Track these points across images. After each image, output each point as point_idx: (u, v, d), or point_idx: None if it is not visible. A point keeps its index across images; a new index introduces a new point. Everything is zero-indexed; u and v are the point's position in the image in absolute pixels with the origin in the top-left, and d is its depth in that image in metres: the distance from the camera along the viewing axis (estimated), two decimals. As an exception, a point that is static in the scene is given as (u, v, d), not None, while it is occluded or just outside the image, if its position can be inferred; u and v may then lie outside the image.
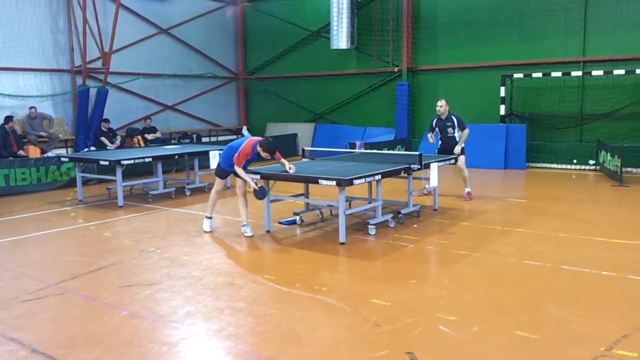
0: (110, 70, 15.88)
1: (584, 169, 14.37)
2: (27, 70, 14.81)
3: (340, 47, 17.41)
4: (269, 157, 7.63)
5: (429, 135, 10.50)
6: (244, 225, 7.91)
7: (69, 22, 15.60)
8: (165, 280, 5.96)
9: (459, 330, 4.52)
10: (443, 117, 10.35)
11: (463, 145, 10.33)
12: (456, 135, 10.29)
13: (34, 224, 8.96)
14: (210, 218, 8.25)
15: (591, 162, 14.32)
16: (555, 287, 5.61)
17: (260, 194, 7.58)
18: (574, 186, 12.07)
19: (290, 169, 7.59)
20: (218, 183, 8.16)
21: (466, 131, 10.27)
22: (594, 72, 13.96)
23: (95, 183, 12.81)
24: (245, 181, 7.71)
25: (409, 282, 5.81)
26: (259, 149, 7.49)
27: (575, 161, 14.62)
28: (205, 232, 8.11)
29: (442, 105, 10.34)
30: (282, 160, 7.77)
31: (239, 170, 7.61)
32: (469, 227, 8.28)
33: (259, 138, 7.76)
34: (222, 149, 8.26)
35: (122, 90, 17.18)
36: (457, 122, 10.31)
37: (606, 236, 7.50)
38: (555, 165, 14.85)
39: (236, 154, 7.57)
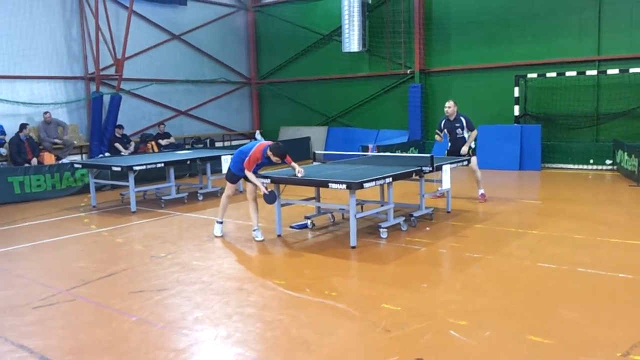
0: (124, 76, 16.01)
1: (601, 169, 14.17)
2: (41, 78, 14.97)
3: (352, 50, 17.38)
4: (280, 161, 7.59)
5: (437, 135, 10.40)
6: (254, 230, 7.89)
7: (82, 30, 15.75)
8: (175, 285, 5.95)
9: (470, 336, 4.44)
10: (452, 118, 10.23)
11: (473, 146, 10.23)
12: (465, 136, 10.16)
13: (47, 230, 9.02)
14: (221, 223, 8.23)
15: (608, 162, 14.11)
16: (570, 291, 5.50)
17: (271, 198, 7.55)
18: (590, 187, 11.89)
19: (299, 172, 7.55)
20: (229, 188, 8.14)
21: (475, 132, 10.17)
22: (610, 71, 13.77)
23: (109, 189, 12.87)
24: (255, 185, 7.69)
25: (420, 286, 5.74)
26: (269, 153, 7.45)
27: (591, 161, 14.42)
28: (216, 237, 8.10)
29: (450, 106, 10.22)
30: (293, 164, 7.73)
31: (249, 174, 7.58)
32: (483, 229, 8.18)
33: (269, 142, 7.74)
34: (233, 154, 8.25)
35: (135, 97, 17.31)
36: (466, 122, 10.18)
37: (623, 237, 7.36)
38: (571, 166, 14.66)
39: (246, 159, 7.55)
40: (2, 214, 10.48)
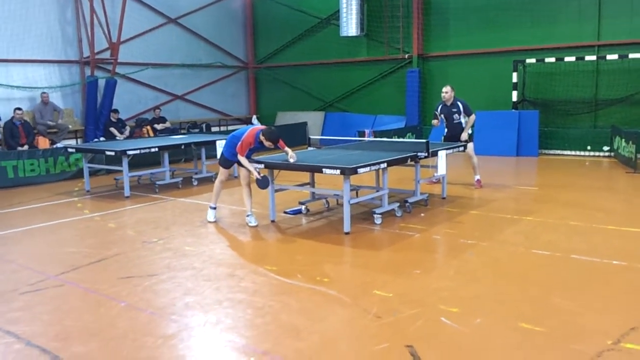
0: (119, 60, 15.85)
1: (598, 156, 14.10)
2: (35, 62, 14.81)
3: (350, 35, 17.24)
4: (273, 146, 7.50)
5: (433, 119, 10.30)
6: (248, 215, 7.83)
7: (76, 13, 15.55)
8: (165, 271, 5.90)
9: (461, 323, 4.39)
10: (448, 104, 10.11)
11: (470, 131, 10.14)
12: (462, 121, 10.06)
13: (40, 215, 8.95)
14: (215, 208, 8.17)
15: (605, 148, 14.04)
16: (563, 278, 5.45)
17: (263, 183, 7.47)
18: (587, 173, 11.82)
19: (291, 157, 7.47)
20: (222, 173, 8.06)
21: (472, 117, 10.08)
22: (609, 57, 13.64)
23: (104, 173, 12.79)
24: (249, 171, 7.62)
25: (413, 272, 5.69)
26: (262, 138, 7.36)
27: (589, 147, 14.34)
28: (209, 222, 8.04)
29: (447, 92, 10.09)
30: (286, 149, 7.64)
31: (242, 159, 7.51)
32: (478, 215, 8.12)
33: (263, 127, 7.66)
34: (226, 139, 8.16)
35: (131, 81, 17.16)
36: (463, 107, 10.05)
37: (619, 224, 7.31)
38: (568, 152, 14.58)
39: (239, 143, 7.47)
40: (-5, 199, 10.41)
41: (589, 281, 5.33)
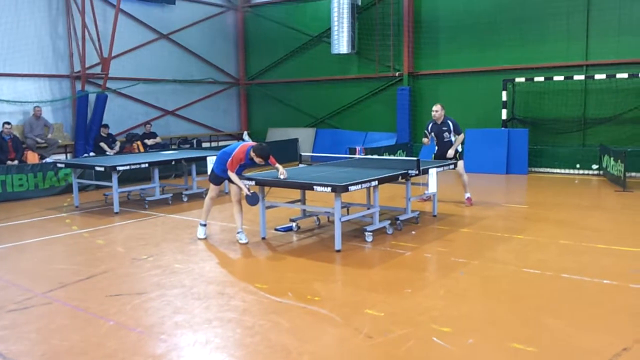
0: (110, 75, 15.83)
1: (587, 174, 14.20)
2: (26, 76, 14.77)
3: (341, 52, 17.34)
4: (263, 163, 7.50)
5: (424, 138, 10.35)
6: (238, 232, 7.78)
7: (68, 27, 15.56)
8: (155, 289, 5.84)
9: (453, 343, 4.37)
10: (439, 122, 10.17)
11: (460, 149, 10.21)
12: (452, 139, 10.12)
13: (28, 231, 8.86)
14: (205, 225, 8.12)
15: (594, 166, 14.16)
16: (554, 297, 5.45)
17: (253, 200, 7.44)
18: (577, 191, 11.89)
19: (282, 174, 7.46)
20: (212, 189, 8.03)
21: (461, 136, 10.15)
22: (597, 76, 13.81)
23: (94, 189, 12.70)
24: (239, 187, 7.59)
25: (404, 291, 5.67)
26: (252, 154, 7.36)
27: (578, 166, 14.46)
28: (199, 239, 7.98)
29: (437, 110, 10.16)
30: (277, 165, 7.63)
31: (232, 175, 7.49)
32: (469, 233, 8.13)
33: (253, 143, 7.65)
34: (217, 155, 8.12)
35: (121, 96, 17.13)
36: (453, 126, 10.11)
37: (608, 243, 7.34)
38: (557, 170, 14.69)
39: (229, 160, 7.45)
40: (-18, 214, 10.30)
41: (580, 301, 5.33)
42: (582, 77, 14.10)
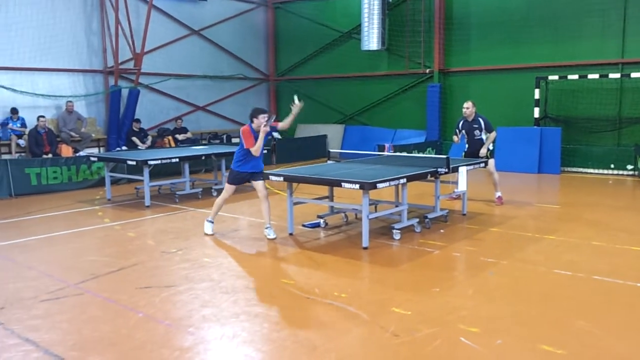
0: (142, 71, 16.05)
1: (622, 175, 13.89)
2: (61, 71, 15.07)
3: (371, 49, 17.27)
4: (267, 122, 7.57)
5: (454, 136, 10.25)
6: (267, 228, 7.82)
7: (102, 23, 15.82)
8: (183, 282, 5.91)
9: (481, 343, 4.33)
10: (470, 119, 10.05)
11: (491, 148, 10.10)
12: (483, 137, 9.99)
13: (61, 223, 9.05)
14: (212, 222, 8.15)
15: (629, 167, 13.83)
16: (585, 300, 5.35)
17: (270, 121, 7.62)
18: (611, 192, 11.64)
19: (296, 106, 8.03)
20: (227, 190, 7.95)
21: (493, 134, 10.00)
22: (633, 74, 13.48)
23: (126, 183, 12.91)
24: (265, 187, 7.68)
25: (432, 290, 5.63)
26: (253, 124, 7.55)
27: (612, 166, 14.14)
28: (207, 235, 8.02)
29: (468, 107, 10.05)
30: (286, 120, 7.97)
31: (256, 145, 7.52)
32: (498, 233, 8.03)
33: (246, 126, 7.73)
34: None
35: (153, 91, 17.36)
36: (485, 124, 9.98)
37: (643, 246, 7.17)
38: (591, 170, 14.39)
39: (243, 143, 7.63)
40: (18, 205, 10.56)
41: (612, 304, 5.22)
42: (617, 75, 13.78)
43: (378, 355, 4.21)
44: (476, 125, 10.00)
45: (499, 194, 10.16)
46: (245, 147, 7.57)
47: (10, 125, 13.77)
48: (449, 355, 4.17)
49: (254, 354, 4.22)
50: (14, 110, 13.86)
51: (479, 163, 9.35)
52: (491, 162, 9.94)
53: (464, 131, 10.17)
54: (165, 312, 5.09)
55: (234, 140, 19.24)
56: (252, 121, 7.55)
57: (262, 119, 7.51)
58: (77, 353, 4.24)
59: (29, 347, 4.35)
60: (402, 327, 4.65)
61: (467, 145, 10.24)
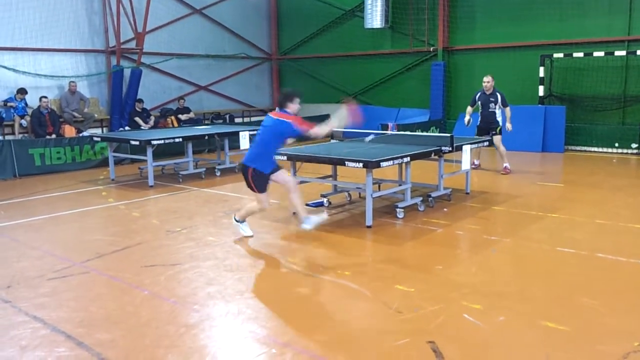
0: (144, 50, 15.96)
1: (626, 153, 13.83)
2: (62, 51, 15.00)
3: (375, 27, 17.13)
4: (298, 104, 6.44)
5: (467, 114, 10.92)
6: (305, 221, 6.66)
7: (103, 2, 15.70)
8: (188, 261, 5.94)
9: (484, 320, 4.36)
10: (488, 93, 10.72)
11: (500, 125, 10.74)
12: (497, 112, 10.68)
13: (65, 203, 9.08)
14: (244, 222, 6.84)
15: (634, 145, 13.77)
16: (588, 277, 5.37)
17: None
18: (615, 171, 11.61)
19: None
20: (261, 200, 6.43)
21: (508, 109, 10.73)
22: None
23: (129, 163, 12.93)
24: (291, 180, 6.63)
25: (435, 268, 5.65)
26: (289, 110, 6.32)
27: (616, 145, 14.08)
28: (247, 237, 6.78)
29: (488, 81, 10.77)
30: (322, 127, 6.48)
31: (317, 129, 6.28)
32: (502, 211, 8.04)
33: (277, 112, 6.39)
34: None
35: (155, 71, 17.29)
36: (501, 99, 10.72)
37: (646, 223, 7.18)
38: (595, 149, 14.33)
39: (295, 125, 6.16)
40: (22, 186, 10.60)
41: (615, 281, 5.24)
42: (623, 52, 13.64)
43: (382, 331, 4.25)
44: (493, 99, 10.74)
45: (506, 164, 10.82)
46: (298, 128, 6.17)
47: (13, 104, 13.66)
48: (452, 332, 4.20)
49: (258, 330, 4.26)
50: (22, 91, 13.74)
51: (483, 142, 9.39)
52: (498, 138, 10.64)
53: (479, 102, 10.84)
54: (170, 289, 5.13)
55: (237, 120, 19.22)
56: (286, 106, 6.29)
57: (297, 103, 6.36)
58: (84, 330, 4.29)
59: (37, 325, 4.40)
60: (405, 304, 4.68)
61: (480, 119, 10.93)
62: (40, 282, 5.34)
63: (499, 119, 10.80)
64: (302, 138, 6.71)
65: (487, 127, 10.70)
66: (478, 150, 10.92)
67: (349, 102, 6.58)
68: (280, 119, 6.23)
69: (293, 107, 6.34)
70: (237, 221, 6.79)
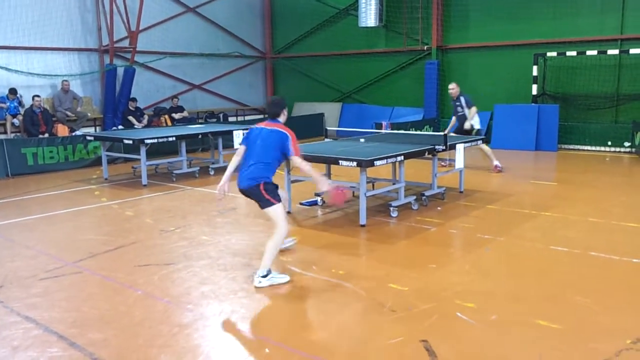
0: (138, 49, 15.90)
1: (619, 152, 13.88)
2: (55, 50, 14.91)
3: (369, 25, 17.12)
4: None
5: (452, 123, 11.45)
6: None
7: (96, 1, 15.62)
8: (182, 260, 5.93)
9: (477, 318, 4.37)
10: (454, 99, 11.14)
11: (477, 126, 10.96)
12: (466, 112, 10.95)
13: (58, 202, 9.04)
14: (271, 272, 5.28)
15: (626, 144, 13.82)
16: (581, 275, 5.39)
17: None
18: (608, 169, 11.66)
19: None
20: (278, 216, 5.30)
21: (473, 109, 10.95)
22: (632, 51, 13.38)
23: (122, 162, 12.89)
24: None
25: (428, 266, 5.66)
26: (281, 119, 5.56)
27: (609, 143, 14.13)
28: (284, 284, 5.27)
29: (452, 88, 11.14)
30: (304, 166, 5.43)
31: (304, 162, 5.38)
32: (495, 210, 8.05)
33: (269, 123, 5.55)
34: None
35: (149, 70, 17.22)
36: (465, 101, 10.95)
37: (639, 222, 7.20)
38: (588, 147, 14.38)
39: (289, 143, 5.34)
40: (15, 185, 10.54)
41: (608, 279, 5.26)
42: (616, 51, 13.69)
43: (375, 330, 4.25)
44: (458, 103, 11.11)
45: (496, 162, 10.97)
46: (292, 148, 5.33)
47: (4, 105, 13.58)
48: (445, 330, 4.20)
49: (252, 330, 4.25)
50: (13, 91, 13.65)
51: (476, 140, 9.45)
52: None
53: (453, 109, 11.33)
54: (164, 289, 5.11)
55: (231, 119, 19.18)
56: (279, 115, 5.55)
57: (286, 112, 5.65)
58: (76, 330, 4.27)
59: (29, 325, 4.38)
60: (399, 303, 4.68)
61: (457, 122, 11.28)
62: (32, 282, 5.32)
63: (473, 121, 10.93)
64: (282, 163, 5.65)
65: (462, 129, 11.01)
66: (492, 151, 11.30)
67: (337, 189, 5.59)
68: (277, 129, 5.40)
69: (284, 117, 5.58)
70: (264, 277, 5.16)
